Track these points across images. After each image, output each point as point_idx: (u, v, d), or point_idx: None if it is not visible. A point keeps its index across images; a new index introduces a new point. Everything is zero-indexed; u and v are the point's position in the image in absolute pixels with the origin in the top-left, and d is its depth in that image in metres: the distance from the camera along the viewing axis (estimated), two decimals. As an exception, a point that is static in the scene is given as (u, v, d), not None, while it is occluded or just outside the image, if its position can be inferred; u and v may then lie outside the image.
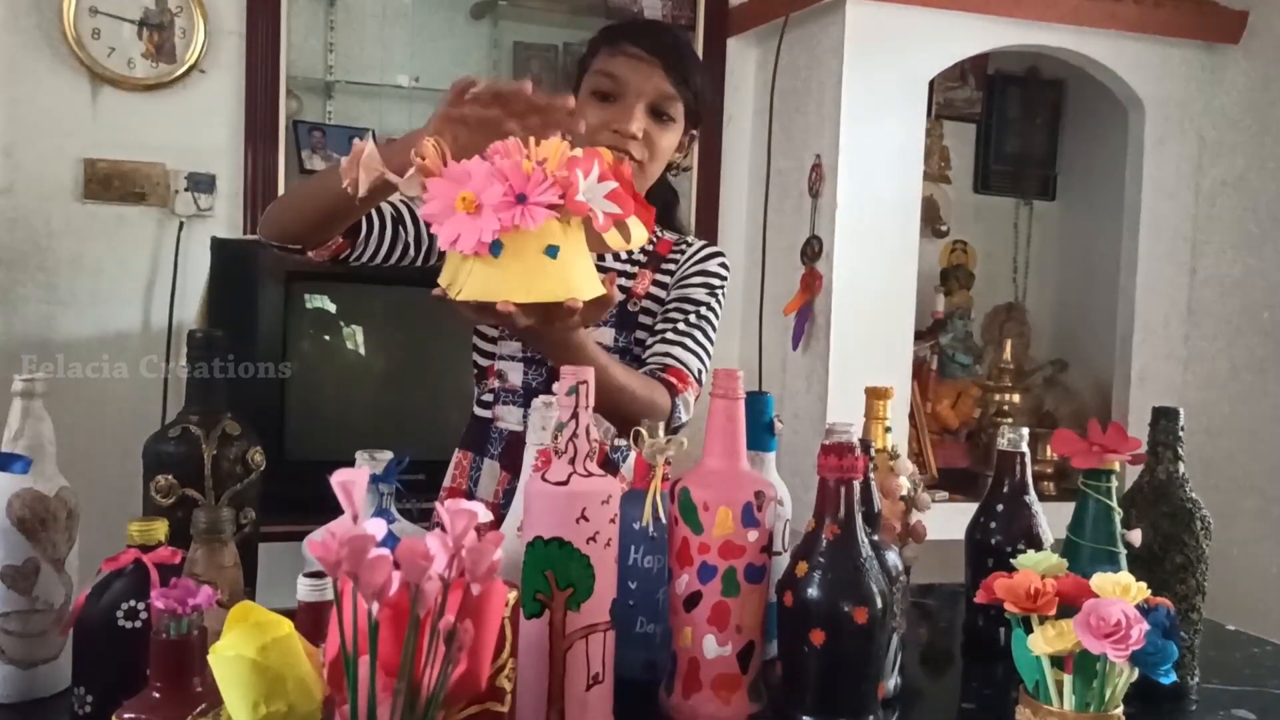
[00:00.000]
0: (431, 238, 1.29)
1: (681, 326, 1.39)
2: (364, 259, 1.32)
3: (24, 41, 2.48)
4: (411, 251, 1.35)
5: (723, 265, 1.46)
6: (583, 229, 0.90)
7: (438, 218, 0.86)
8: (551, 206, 0.85)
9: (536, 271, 0.87)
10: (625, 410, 1.21)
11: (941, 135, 3.21)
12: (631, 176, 0.96)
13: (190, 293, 2.57)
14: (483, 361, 1.44)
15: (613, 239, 0.91)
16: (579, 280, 0.90)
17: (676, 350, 1.36)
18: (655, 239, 1.46)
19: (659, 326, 1.41)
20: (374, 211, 1.28)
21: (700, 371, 1.38)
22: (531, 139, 0.91)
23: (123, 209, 2.57)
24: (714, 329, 1.43)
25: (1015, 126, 3.29)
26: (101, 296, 2.56)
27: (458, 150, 0.94)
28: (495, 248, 0.85)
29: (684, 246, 1.47)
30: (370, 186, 0.95)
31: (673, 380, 1.33)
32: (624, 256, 1.43)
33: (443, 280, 0.94)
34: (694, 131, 1.43)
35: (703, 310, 1.41)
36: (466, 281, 0.89)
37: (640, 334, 1.42)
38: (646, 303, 1.43)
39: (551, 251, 0.87)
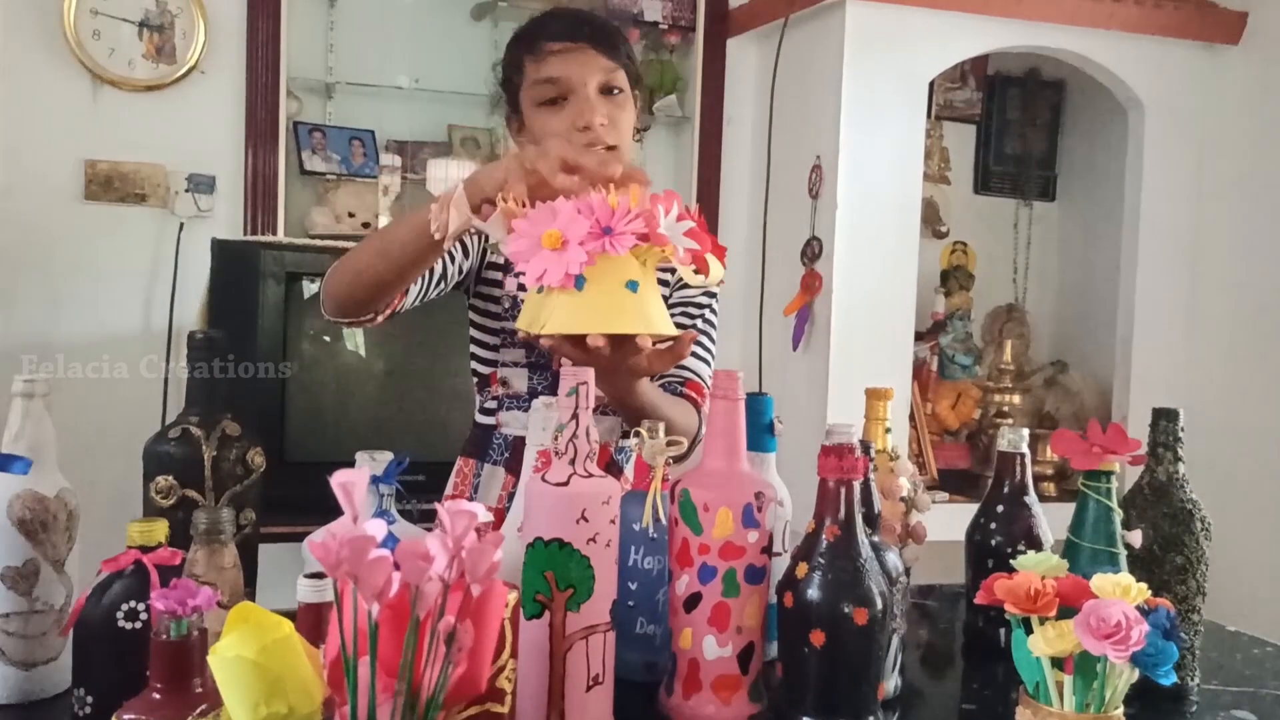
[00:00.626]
0: (455, 262, 1.32)
1: (699, 339, 1.41)
2: (409, 306, 1.30)
3: (25, 42, 2.49)
4: (439, 282, 1.33)
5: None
6: (654, 273, 0.94)
7: (524, 255, 0.89)
8: (637, 236, 0.88)
9: (618, 305, 0.91)
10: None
11: (941, 136, 3.22)
12: (702, 217, 0.98)
13: (190, 294, 2.57)
14: (484, 370, 1.44)
15: (689, 275, 0.95)
16: (657, 318, 0.94)
17: (691, 362, 1.39)
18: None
19: None
20: None
21: (709, 377, 1.40)
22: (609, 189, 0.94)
23: (123, 210, 2.57)
24: (715, 329, 1.46)
25: (1015, 127, 3.29)
26: (102, 297, 2.57)
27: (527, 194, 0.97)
28: (579, 282, 0.89)
29: None
30: (458, 231, 0.98)
31: (694, 395, 1.37)
32: None
33: (521, 322, 0.97)
34: (637, 90, 1.40)
35: (706, 314, 1.44)
36: (550, 316, 0.92)
37: None
38: None
39: (632, 286, 0.90)
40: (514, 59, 1.36)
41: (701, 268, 0.97)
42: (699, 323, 1.43)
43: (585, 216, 0.87)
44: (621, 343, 0.96)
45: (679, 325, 1.40)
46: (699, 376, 1.39)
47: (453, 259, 1.33)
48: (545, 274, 0.89)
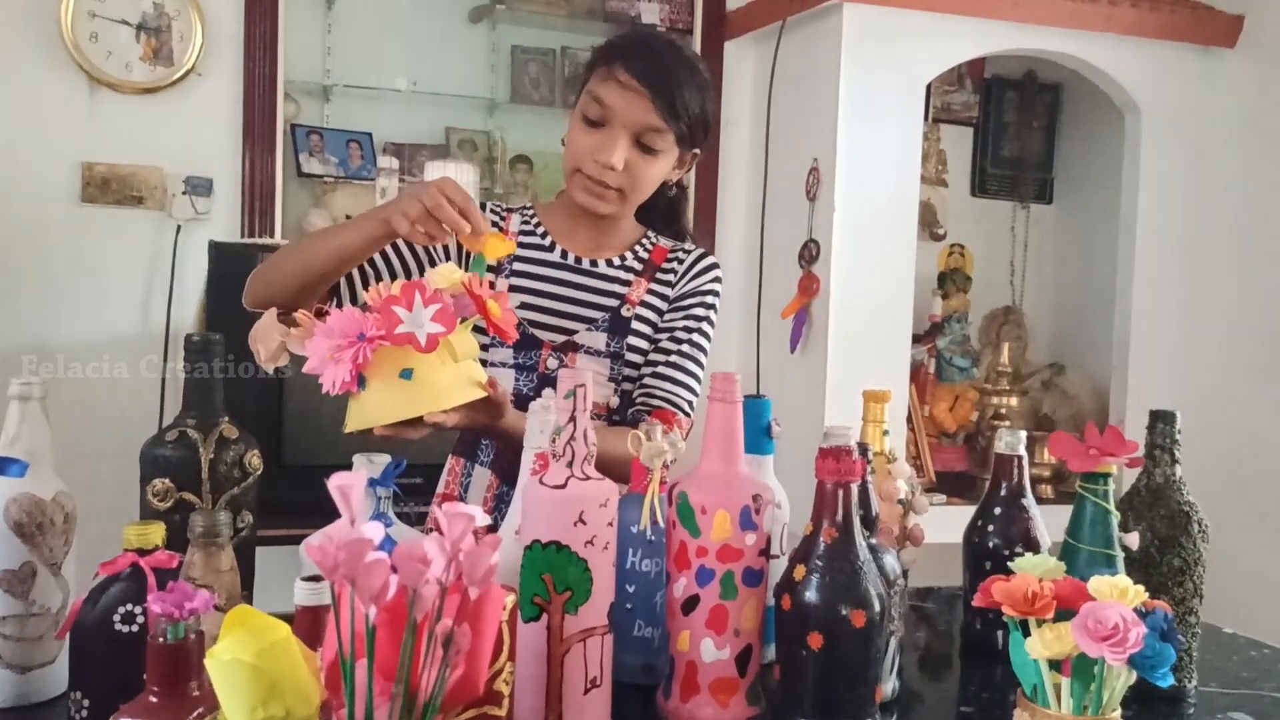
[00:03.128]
0: (406, 271, 1.36)
1: (675, 358, 1.43)
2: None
3: (22, 45, 2.49)
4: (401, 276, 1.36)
5: (717, 279, 1.49)
6: (451, 346, 1.03)
7: (316, 369, 1.00)
8: (382, 339, 0.99)
9: (399, 393, 1.00)
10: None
11: (939, 139, 3.22)
12: (481, 291, 1.08)
13: (188, 296, 2.57)
14: None
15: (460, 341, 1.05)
16: (447, 391, 1.03)
17: (666, 386, 1.41)
18: (651, 245, 1.47)
19: (653, 356, 1.44)
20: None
21: (691, 402, 1.43)
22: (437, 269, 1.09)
23: (120, 212, 2.57)
24: (707, 346, 1.47)
25: (1012, 130, 3.30)
26: (99, 300, 2.56)
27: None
28: (361, 383, 1.00)
29: (680, 254, 1.48)
30: (271, 357, 1.09)
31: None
32: (617, 263, 1.44)
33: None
34: (695, 150, 1.41)
35: (695, 338, 1.45)
36: (349, 417, 1.04)
37: (633, 340, 1.42)
38: (641, 310, 1.43)
39: (406, 374, 1.00)
40: (595, 59, 1.38)
41: (495, 332, 1.09)
42: (685, 346, 1.43)
43: (347, 329, 0.99)
44: (415, 421, 1.05)
45: (661, 349, 1.43)
46: (671, 402, 1.40)
47: (414, 270, 1.35)
48: (332, 384, 1.00)
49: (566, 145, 1.38)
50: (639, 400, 1.42)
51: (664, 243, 1.48)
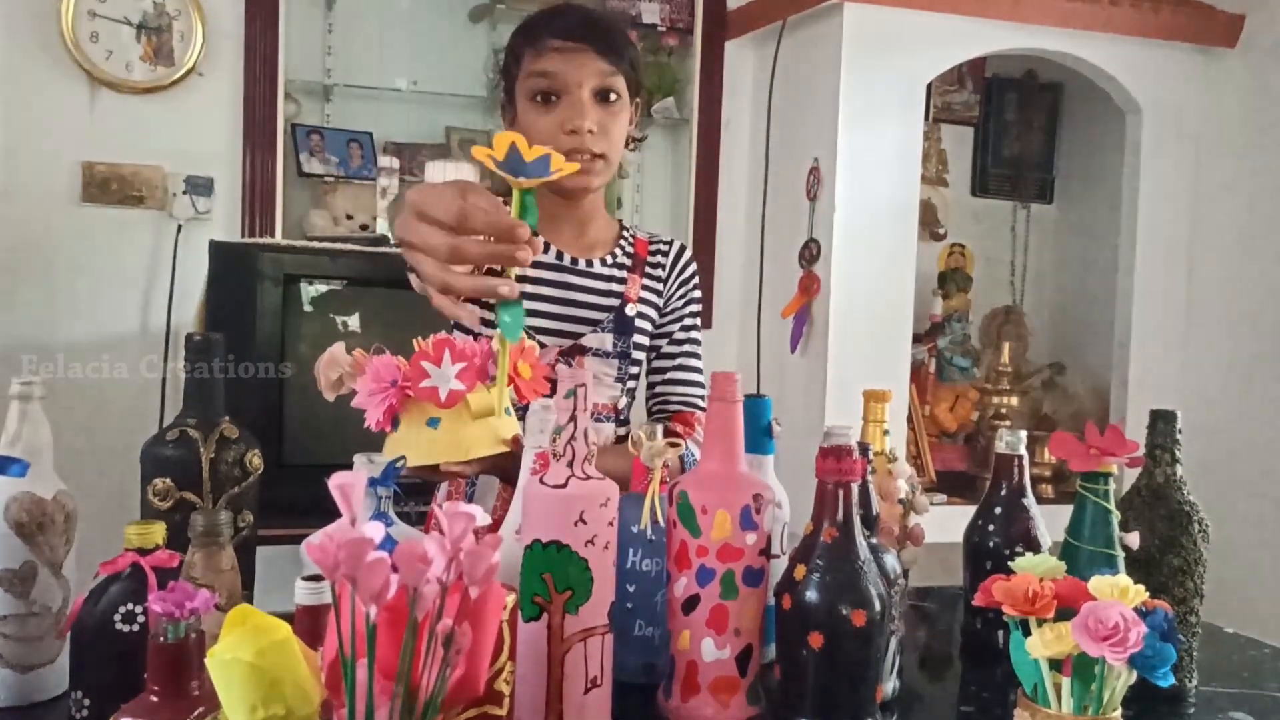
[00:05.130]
0: None
1: (681, 360, 1.48)
2: None
3: (22, 45, 2.49)
4: None
5: (696, 270, 1.53)
6: (469, 404, 1.07)
7: (362, 405, 1.08)
8: (409, 391, 1.06)
9: (424, 440, 1.07)
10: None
11: (939, 138, 3.22)
12: (485, 356, 1.09)
13: (188, 296, 2.57)
14: None
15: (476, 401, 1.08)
16: (468, 443, 1.07)
17: (680, 390, 1.46)
18: (632, 238, 1.47)
19: (658, 363, 1.48)
20: None
21: (703, 396, 1.46)
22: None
23: (121, 212, 2.57)
24: (701, 339, 1.53)
25: (1013, 130, 3.30)
26: (100, 299, 2.57)
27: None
28: (395, 424, 1.08)
29: (661, 246, 1.49)
30: (330, 387, 1.13)
31: (679, 429, 1.42)
32: (610, 261, 1.44)
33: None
34: (638, 99, 1.40)
35: (692, 334, 1.51)
36: (385, 450, 1.10)
37: (638, 337, 1.42)
38: (639, 306, 1.44)
39: (433, 423, 1.06)
40: (515, 49, 1.35)
41: (519, 394, 1.11)
42: (688, 346, 1.49)
43: (384, 375, 1.07)
44: (436, 465, 1.08)
45: (666, 355, 1.48)
46: (690, 405, 1.45)
47: None
48: (372, 422, 1.09)
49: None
50: (655, 409, 1.46)
51: (641, 235, 1.49)
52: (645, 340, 1.45)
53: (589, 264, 1.42)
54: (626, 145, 1.42)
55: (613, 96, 1.33)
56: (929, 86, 2.81)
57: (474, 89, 2.92)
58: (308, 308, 2.36)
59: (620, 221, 1.51)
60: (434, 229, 0.94)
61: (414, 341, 1.09)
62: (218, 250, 2.35)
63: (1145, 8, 2.72)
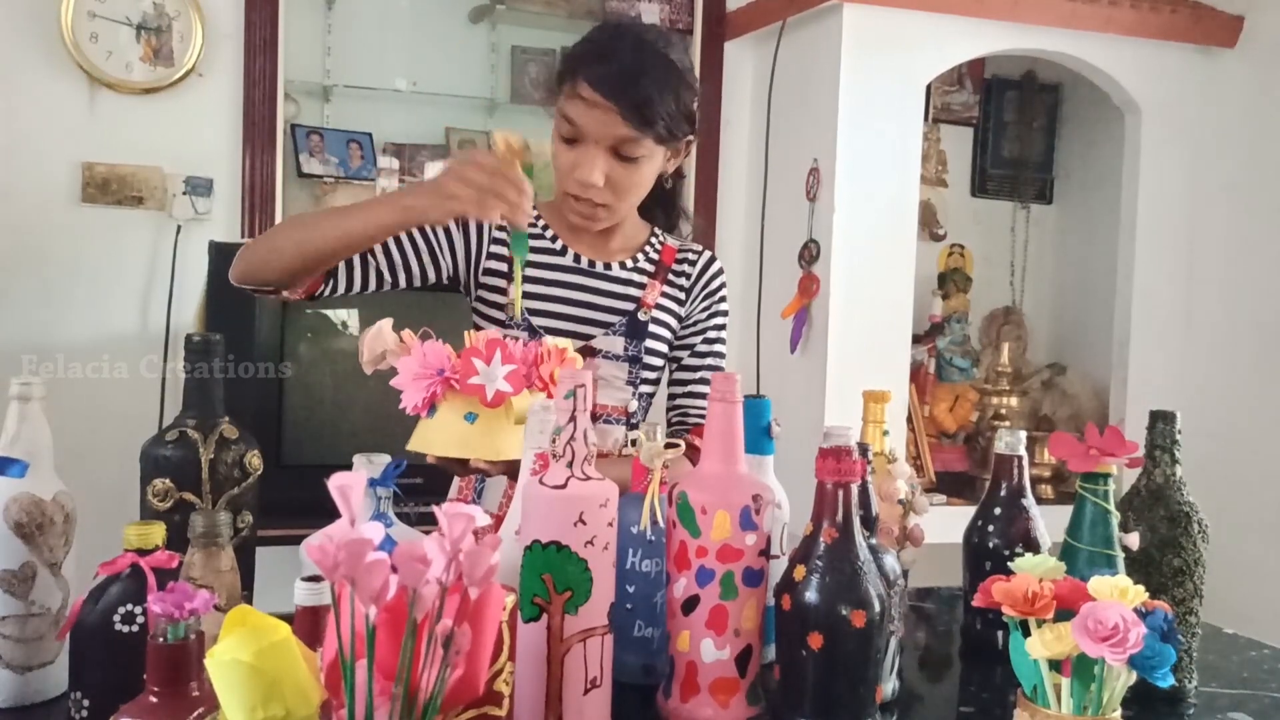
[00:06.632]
0: (406, 264, 1.36)
1: (703, 373, 1.47)
2: (336, 294, 1.34)
3: (22, 45, 2.48)
4: (387, 278, 1.35)
5: (725, 283, 1.52)
6: (513, 407, 1.09)
7: (402, 385, 1.09)
8: (455, 382, 1.07)
9: (458, 432, 1.08)
10: None
11: (939, 139, 3.22)
12: (538, 360, 1.13)
13: (188, 296, 2.57)
14: None
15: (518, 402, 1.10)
16: (500, 445, 1.09)
17: (702, 404, 1.44)
18: (660, 245, 1.47)
19: (679, 374, 1.48)
20: None
21: None
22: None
23: (121, 212, 2.57)
24: (725, 352, 1.52)
25: (1012, 130, 3.30)
26: (100, 299, 2.56)
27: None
28: (431, 411, 1.09)
29: (690, 255, 1.48)
30: (372, 361, 1.14)
31: (697, 442, 1.39)
32: (630, 265, 1.44)
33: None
34: (688, 138, 1.37)
35: (716, 348, 1.50)
36: (414, 436, 1.12)
37: (651, 343, 1.42)
38: (656, 313, 1.44)
39: (470, 417, 1.08)
40: (563, 70, 1.33)
41: (508, 412, 1.11)
42: (709, 360, 1.48)
43: (432, 362, 1.09)
44: (464, 460, 1.10)
45: (687, 367, 1.47)
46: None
47: (386, 253, 1.34)
48: (410, 404, 1.10)
49: (553, 163, 1.37)
50: (675, 421, 1.46)
51: (671, 242, 1.48)
52: (662, 347, 1.44)
53: (606, 267, 1.43)
54: (660, 181, 1.40)
55: (630, 158, 1.30)
56: (928, 87, 2.81)
57: (474, 89, 2.92)
58: (307, 308, 2.36)
59: (653, 227, 1.49)
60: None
61: (465, 335, 1.12)
62: (217, 251, 2.35)
63: (1145, 8, 2.72)
